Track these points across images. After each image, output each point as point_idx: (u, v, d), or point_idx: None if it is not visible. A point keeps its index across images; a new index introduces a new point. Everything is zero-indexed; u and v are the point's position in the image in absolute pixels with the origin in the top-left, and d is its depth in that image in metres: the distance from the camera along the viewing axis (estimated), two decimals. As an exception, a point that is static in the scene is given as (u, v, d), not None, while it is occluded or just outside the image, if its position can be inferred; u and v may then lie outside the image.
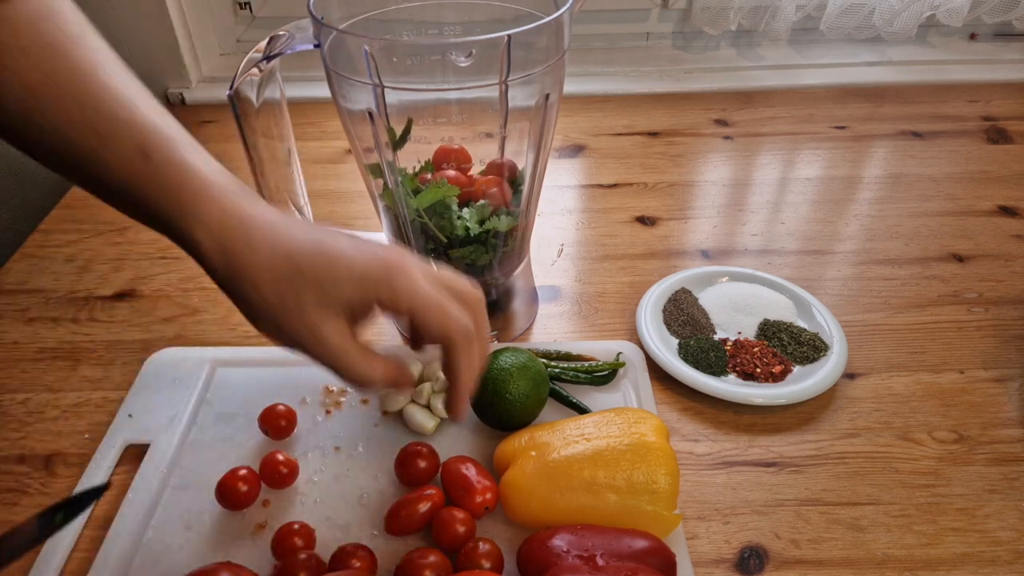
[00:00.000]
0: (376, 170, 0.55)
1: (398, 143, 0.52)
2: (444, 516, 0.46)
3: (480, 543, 0.44)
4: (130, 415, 0.56)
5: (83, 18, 0.38)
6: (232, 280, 0.37)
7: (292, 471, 0.50)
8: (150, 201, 0.37)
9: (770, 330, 0.63)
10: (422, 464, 0.49)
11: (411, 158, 0.55)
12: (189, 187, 0.37)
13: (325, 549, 0.46)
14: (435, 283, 0.39)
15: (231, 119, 0.51)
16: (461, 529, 0.45)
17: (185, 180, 0.37)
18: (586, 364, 0.58)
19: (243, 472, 0.49)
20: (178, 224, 0.37)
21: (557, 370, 0.57)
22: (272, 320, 0.37)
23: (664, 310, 0.65)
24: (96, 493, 0.40)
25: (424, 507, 0.46)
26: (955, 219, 0.79)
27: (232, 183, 0.38)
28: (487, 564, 0.43)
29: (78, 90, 0.36)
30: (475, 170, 0.57)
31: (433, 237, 0.55)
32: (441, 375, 0.56)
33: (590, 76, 1.08)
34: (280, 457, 0.50)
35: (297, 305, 0.36)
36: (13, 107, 0.36)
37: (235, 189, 0.38)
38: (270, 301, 0.37)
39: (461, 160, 0.55)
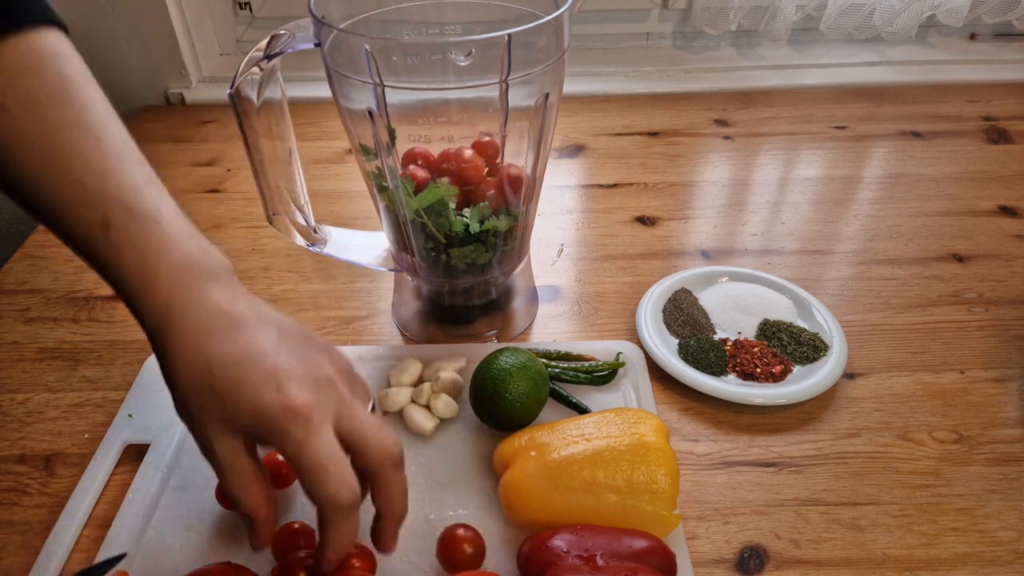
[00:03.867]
0: (374, 167, 0.55)
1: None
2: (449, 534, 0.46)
3: (460, 528, 0.45)
4: (130, 415, 0.56)
5: (78, 66, 0.37)
6: (160, 365, 0.37)
7: (292, 471, 0.50)
8: (106, 271, 0.37)
9: (770, 330, 0.63)
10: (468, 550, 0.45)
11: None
12: (141, 268, 0.36)
13: (325, 549, 0.46)
14: (343, 432, 0.37)
15: (231, 119, 0.51)
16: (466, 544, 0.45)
17: (140, 259, 0.36)
18: (586, 364, 0.58)
19: (243, 472, 0.49)
20: (128, 300, 0.37)
21: (557, 370, 0.57)
22: (182, 411, 0.37)
23: (664, 310, 0.65)
24: (114, 562, 0.42)
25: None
26: (955, 219, 0.79)
27: (194, 260, 0.37)
28: (469, 549, 0.44)
29: (51, 153, 0.35)
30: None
31: (432, 236, 0.55)
32: (441, 375, 0.56)
33: (590, 76, 1.08)
34: (280, 457, 0.50)
35: (200, 412, 0.36)
36: None
37: (195, 267, 0.37)
38: (181, 397, 0.37)
39: (460, 161, 0.55)
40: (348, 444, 0.37)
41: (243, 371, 0.35)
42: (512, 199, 0.56)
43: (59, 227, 0.37)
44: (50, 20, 0.37)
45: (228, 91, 0.49)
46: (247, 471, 0.37)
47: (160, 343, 0.36)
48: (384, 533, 0.40)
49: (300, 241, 0.58)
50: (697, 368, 0.59)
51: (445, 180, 0.53)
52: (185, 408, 0.37)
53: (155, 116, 1.02)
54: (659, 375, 0.60)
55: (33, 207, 0.37)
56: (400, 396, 0.55)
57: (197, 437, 0.37)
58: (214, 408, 0.35)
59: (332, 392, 0.37)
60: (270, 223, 0.57)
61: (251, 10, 1.09)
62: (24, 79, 0.35)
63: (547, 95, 0.51)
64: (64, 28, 0.38)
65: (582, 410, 0.55)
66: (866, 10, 1.06)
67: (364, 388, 0.42)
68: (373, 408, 0.40)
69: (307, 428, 0.35)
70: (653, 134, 0.96)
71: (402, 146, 0.53)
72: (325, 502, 0.36)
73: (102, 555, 0.46)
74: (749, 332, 0.64)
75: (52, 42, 0.37)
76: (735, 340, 0.63)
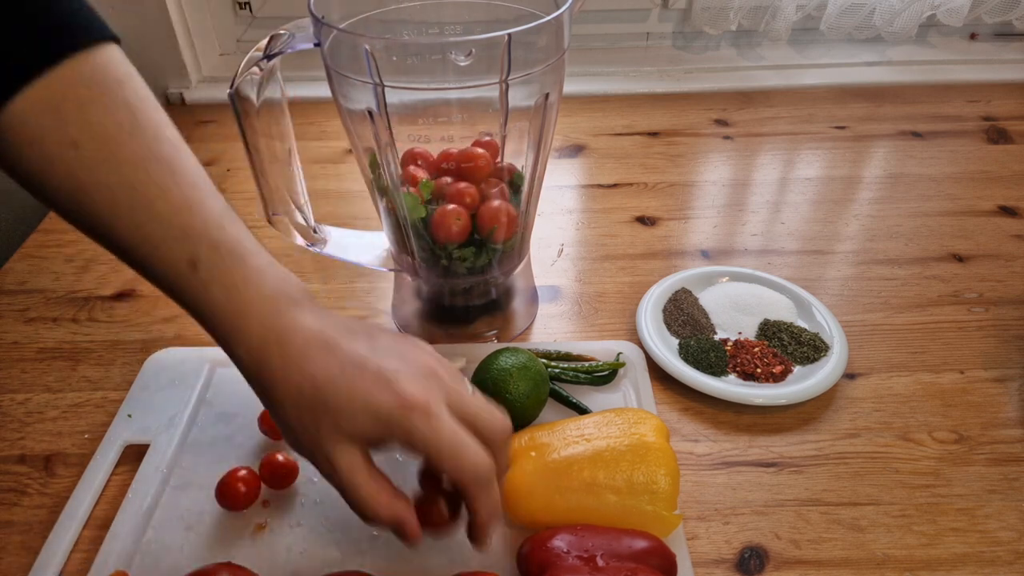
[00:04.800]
0: (375, 165, 0.55)
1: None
2: None
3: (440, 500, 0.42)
4: (130, 415, 0.56)
5: (140, 87, 0.35)
6: (262, 396, 0.38)
7: (292, 471, 0.50)
8: (196, 308, 0.37)
9: (770, 330, 0.63)
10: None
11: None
12: (232, 303, 0.36)
13: (324, 549, 0.46)
14: (458, 415, 0.38)
15: (231, 119, 0.51)
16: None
17: (230, 295, 0.36)
18: (586, 364, 0.58)
19: (243, 472, 0.49)
20: (220, 335, 0.37)
21: (557, 370, 0.57)
22: (292, 437, 0.38)
23: (664, 310, 0.65)
24: None
25: None
26: (955, 219, 0.79)
27: (279, 289, 0.37)
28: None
29: (129, 190, 0.34)
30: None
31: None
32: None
33: (590, 76, 1.08)
34: (280, 457, 0.50)
35: (315, 430, 0.36)
36: (61, 200, 0.34)
37: (281, 296, 0.37)
38: (292, 423, 0.37)
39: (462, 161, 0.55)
40: (464, 425, 0.38)
41: (351, 380, 0.36)
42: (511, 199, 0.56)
43: (144, 266, 0.36)
44: (107, 35, 0.35)
45: (228, 91, 0.49)
46: (373, 481, 0.37)
47: (261, 375, 0.37)
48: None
49: (300, 241, 0.58)
50: (697, 368, 0.59)
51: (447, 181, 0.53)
52: (302, 431, 0.37)
53: (155, 116, 1.01)
54: (659, 375, 0.60)
55: (115, 246, 0.36)
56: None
57: (317, 457, 0.37)
58: (330, 423, 0.36)
59: (437, 380, 0.38)
60: (270, 223, 0.57)
61: (251, 10, 1.09)
62: (94, 111, 0.33)
63: (547, 95, 0.51)
64: (118, 40, 0.36)
65: (582, 410, 0.55)
66: (866, 10, 1.06)
67: (458, 373, 0.41)
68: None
69: (429, 417, 0.36)
70: (653, 134, 0.96)
71: (402, 146, 0.53)
72: (469, 478, 0.37)
73: (102, 556, 0.46)
74: (749, 332, 0.64)
75: (113, 62, 0.35)
76: (735, 340, 0.63)
